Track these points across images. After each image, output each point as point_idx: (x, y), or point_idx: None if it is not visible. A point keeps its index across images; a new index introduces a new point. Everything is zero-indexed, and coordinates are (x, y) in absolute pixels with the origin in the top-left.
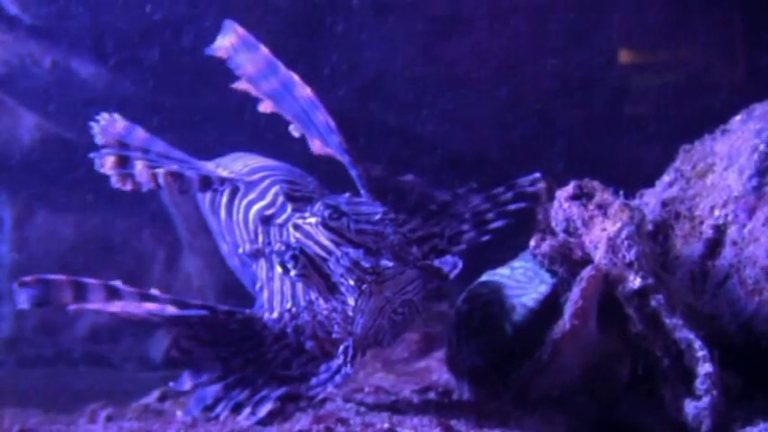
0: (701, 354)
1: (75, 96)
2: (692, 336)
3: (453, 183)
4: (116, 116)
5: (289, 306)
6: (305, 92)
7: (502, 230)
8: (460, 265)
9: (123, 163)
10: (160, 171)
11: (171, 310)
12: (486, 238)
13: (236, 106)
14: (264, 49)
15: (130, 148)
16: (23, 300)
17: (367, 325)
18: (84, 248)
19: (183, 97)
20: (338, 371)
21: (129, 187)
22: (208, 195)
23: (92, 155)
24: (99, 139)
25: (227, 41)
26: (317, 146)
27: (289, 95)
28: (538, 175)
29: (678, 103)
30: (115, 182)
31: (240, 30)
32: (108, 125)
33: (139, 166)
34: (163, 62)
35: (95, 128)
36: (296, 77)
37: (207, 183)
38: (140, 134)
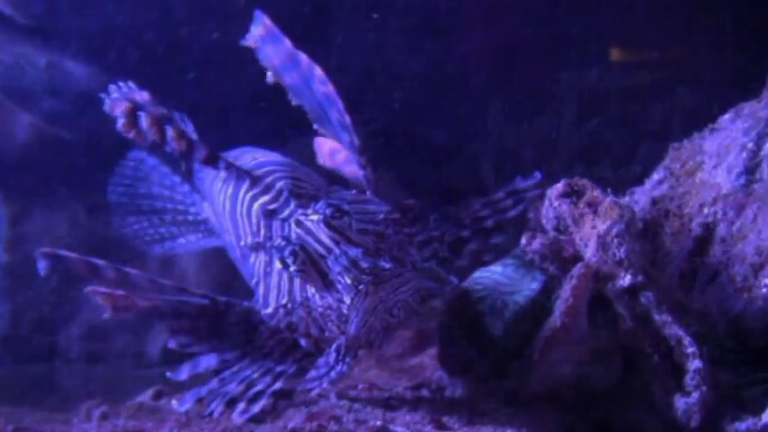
0: (690, 350)
1: (70, 96)
2: (681, 332)
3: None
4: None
5: (284, 302)
6: (323, 87)
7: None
8: (456, 282)
9: (135, 113)
10: (170, 127)
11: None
12: (489, 257)
13: (234, 105)
14: (288, 42)
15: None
16: (43, 267)
17: (360, 324)
18: (80, 247)
19: (179, 97)
20: (333, 368)
21: (132, 135)
22: (217, 187)
23: (103, 95)
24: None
25: (257, 32)
26: (323, 153)
27: (308, 90)
28: (538, 175)
29: (666, 102)
30: (121, 126)
31: (268, 21)
32: (129, 91)
33: (148, 119)
34: (158, 62)
35: (114, 90)
36: (317, 72)
37: (213, 158)
38: (161, 108)
